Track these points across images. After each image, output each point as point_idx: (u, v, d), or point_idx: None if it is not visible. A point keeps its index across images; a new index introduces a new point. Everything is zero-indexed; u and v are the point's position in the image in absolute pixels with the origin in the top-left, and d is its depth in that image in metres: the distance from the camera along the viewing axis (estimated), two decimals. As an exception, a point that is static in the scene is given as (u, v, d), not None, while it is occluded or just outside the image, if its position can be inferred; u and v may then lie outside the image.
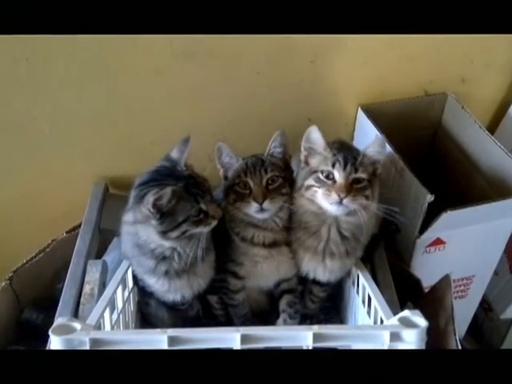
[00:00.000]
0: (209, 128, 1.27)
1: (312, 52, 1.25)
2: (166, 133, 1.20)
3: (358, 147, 1.01)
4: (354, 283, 1.05)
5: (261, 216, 0.97)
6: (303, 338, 0.73)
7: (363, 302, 0.99)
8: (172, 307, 1.02)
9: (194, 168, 0.93)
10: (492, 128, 1.45)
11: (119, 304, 0.96)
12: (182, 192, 0.86)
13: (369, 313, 0.95)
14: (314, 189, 0.93)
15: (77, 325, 0.73)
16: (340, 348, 0.77)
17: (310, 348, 0.73)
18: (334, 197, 0.90)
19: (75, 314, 0.96)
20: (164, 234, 0.87)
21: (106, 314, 0.87)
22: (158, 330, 0.73)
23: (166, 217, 0.85)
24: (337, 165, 0.91)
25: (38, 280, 1.18)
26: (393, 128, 1.21)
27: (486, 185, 1.24)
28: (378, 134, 1.19)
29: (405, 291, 1.05)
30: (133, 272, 1.01)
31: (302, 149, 0.97)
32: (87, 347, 0.71)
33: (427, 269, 1.17)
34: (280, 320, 1.07)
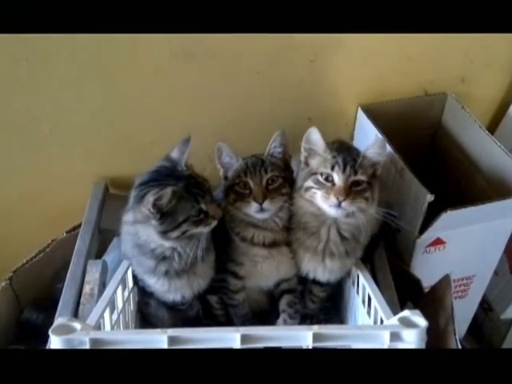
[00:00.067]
0: (209, 128, 1.27)
1: (312, 52, 1.25)
2: (166, 133, 1.20)
3: (358, 147, 1.01)
4: (354, 283, 1.05)
5: (261, 216, 0.97)
6: (303, 337, 0.73)
7: (363, 302, 0.99)
8: (172, 307, 1.02)
9: (194, 168, 0.93)
10: (492, 128, 1.45)
11: (119, 304, 0.96)
12: (182, 192, 0.86)
13: (369, 313, 0.95)
14: (313, 190, 0.93)
15: (77, 325, 0.73)
16: (340, 348, 0.77)
17: (310, 348, 0.73)
18: (333, 200, 0.90)
19: (75, 314, 0.96)
20: (164, 234, 0.87)
21: (106, 314, 0.87)
22: (158, 330, 0.73)
23: (166, 217, 0.85)
24: (336, 167, 0.91)
25: (38, 280, 1.18)
26: (393, 128, 1.21)
27: (486, 185, 1.24)
28: (378, 134, 1.19)
29: (405, 291, 1.05)
30: (133, 272, 1.01)
31: (302, 149, 0.97)
32: (87, 347, 0.71)
33: (427, 269, 1.17)
34: (280, 320, 1.07)
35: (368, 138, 1.24)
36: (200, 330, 0.75)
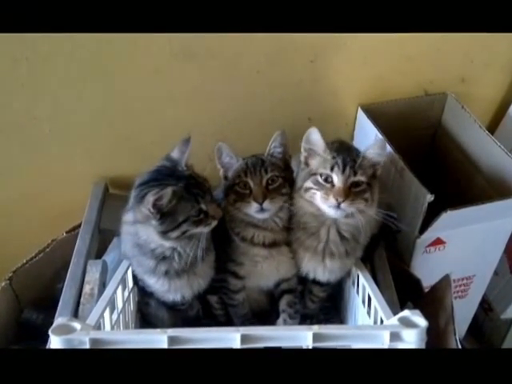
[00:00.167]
0: (209, 128, 1.27)
1: (312, 52, 1.25)
2: (166, 133, 1.20)
3: (358, 147, 1.01)
4: (354, 283, 1.05)
5: (261, 216, 0.97)
6: (303, 337, 0.73)
7: (363, 301, 0.99)
8: (172, 307, 1.02)
9: (195, 168, 0.93)
10: (492, 128, 1.45)
11: (119, 304, 0.96)
12: (182, 192, 0.86)
13: (369, 313, 0.95)
14: (313, 191, 0.93)
15: (77, 325, 0.73)
16: (340, 348, 0.77)
17: (310, 348, 0.73)
18: (332, 201, 0.90)
19: (75, 314, 0.96)
20: (164, 234, 0.87)
21: (106, 314, 0.87)
22: (158, 330, 0.73)
23: (166, 217, 0.85)
24: (335, 168, 0.91)
25: (38, 280, 1.18)
26: (393, 128, 1.21)
27: (486, 185, 1.24)
28: (379, 135, 1.19)
29: (405, 291, 1.05)
30: (133, 272, 1.01)
31: (302, 150, 0.97)
32: (87, 347, 0.71)
33: (427, 269, 1.17)
34: (280, 320, 1.07)
35: (368, 138, 1.24)
36: (200, 329, 0.75)
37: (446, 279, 1.04)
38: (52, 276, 1.18)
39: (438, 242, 1.17)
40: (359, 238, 0.99)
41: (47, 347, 0.81)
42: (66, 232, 1.19)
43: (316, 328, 0.73)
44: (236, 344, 0.72)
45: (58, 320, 0.75)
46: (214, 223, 0.91)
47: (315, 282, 1.06)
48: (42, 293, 1.18)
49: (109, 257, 1.13)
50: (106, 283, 1.02)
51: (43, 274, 1.18)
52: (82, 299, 0.99)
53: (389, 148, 1.13)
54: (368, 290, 0.95)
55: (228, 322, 1.12)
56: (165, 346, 0.71)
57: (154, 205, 0.83)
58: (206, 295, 1.08)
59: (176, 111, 1.25)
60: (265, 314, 1.14)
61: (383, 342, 0.73)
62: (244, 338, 0.72)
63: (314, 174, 0.94)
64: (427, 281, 1.13)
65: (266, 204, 0.94)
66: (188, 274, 0.95)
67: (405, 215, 1.13)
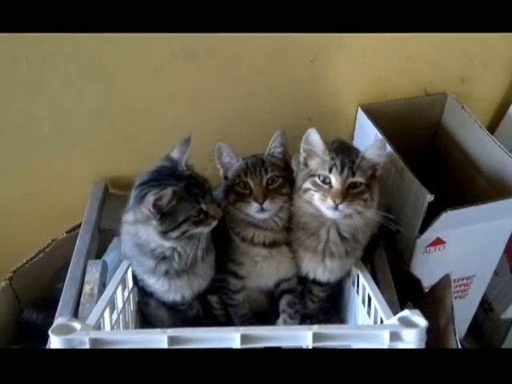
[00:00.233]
0: (209, 128, 1.27)
1: (312, 52, 1.25)
2: (166, 133, 1.20)
3: (358, 147, 1.01)
4: (354, 283, 1.05)
5: (261, 216, 0.97)
6: (303, 337, 0.73)
7: (363, 301, 0.99)
8: (172, 307, 1.02)
9: (195, 168, 0.93)
10: (492, 128, 1.45)
11: (119, 304, 0.96)
12: (182, 192, 0.86)
13: (369, 313, 0.95)
14: (311, 192, 0.93)
15: (77, 325, 0.73)
16: (340, 348, 0.77)
17: (310, 348, 0.73)
18: (330, 202, 0.90)
19: (75, 314, 0.96)
20: (164, 234, 0.87)
21: (106, 314, 0.87)
22: (158, 330, 0.73)
23: (166, 217, 0.85)
24: (334, 169, 0.91)
25: (38, 280, 1.18)
26: (393, 128, 1.21)
27: (486, 185, 1.24)
28: (378, 135, 1.19)
29: (405, 291, 1.04)
30: (133, 272, 1.01)
31: (302, 150, 0.97)
32: (87, 347, 0.71)
33: (427, 269, 1.17)
34: (280, 320, 1.07)
35: (368, 138, 1.24)
36: (200, 329, 0.75)
37: (445, 279, 1.04)
38: (52, 276, 1.18)
39: (438, 242, 1.17)
40: (359, 238, 0.99)
41: (47, 347, 0.81)
42: (66, 232, 1.19)
43: (316, 328, 0.73)
44: (236, 344, 0.72)
45: (58, 320, 0.75)
46: (214, 223, 0.91)
47: (315, 281, 1.06)
48: (41, 293, 1.18)
49: (109, 257, 1.13)
50: (106, 283, 1.02)
51: (43, 274, 1.18)
52: (81, 299, 0.99)
53: (389, 148, 1.13)
54: (368, 290, 0.95)
55: (228, 321, 1.12)
56: (165, 345, 0.71)
57: (154, 205, 0.83)
58: (206, 295, 1.08)
59: (176, 111, 1.25)
60: (265, 314, 1.14)
61: (383, 341, 0.73)
62: (244, 338, 0.72)
63: (313, 175, 0.94)
64: (427, 281, 1.13)
65: (267, 204, 0.94)
66: (188, 274, 0.95)
67: (405, 215, 1.13)
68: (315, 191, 0.93)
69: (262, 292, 1.12)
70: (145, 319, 1.09)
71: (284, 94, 1.29)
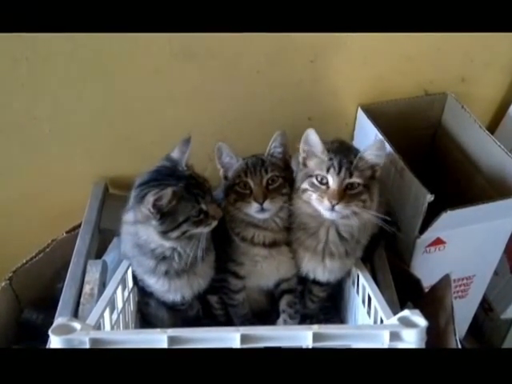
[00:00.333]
0: (209, 128, 1.27)
1: (312, 51, 1.25)
2: (166, 133, 1.20)
3: (358, 147, 1.00)
4: (354, 283, 1.05)
5: (261, 216, 0.97)
6: (303, 337, 0.73)
7: (363, 301, 0.99)
8: (172, 307, 1.02)
9: (195, 168, 0.93)
10: (492, 128, 1.45)
11: (119, 304, 0.96)
12: (182, 192, 0.86)
13: (369, 313, 0.95)
14: (309, 193, 0.93)
15: (77, 325, 0.73)
16: (340, 348, 0.77)
17: (310, 348, 0.73)
18: (326, 203, 0.90)
19: (75, 314, 0.96)
20: (164, 234, 0.87)
21: (106, 314, 0.87)
22: (158, 330, 0.73)
23: (166, 217, 0.85)
24: (331, 170, 0.91)
25: (38, 280, 1.18)
26: (393, 128, 1.21)
27: (486, 185, 1.24)
28: (378, 135, 1.19)
29: (405, 291, 1.04)
30: (133, 272, 1.01)
31: (301, 151, 0.97)
32: (87, 347, 0.71)
33: (427, 269, 1.17)
34: (280, 320, 1.07)
35: (368, 138, 1.24)
36: (200, 329, 0.75)
37: (445, 279, 1.04)
38: (52, 276, 1.18)
39: (438, 242, 1.17)
40: (359, 239, 0.99)
41: (47, 347, 0.81)
42: (66, 232, 1.19)
43: (316, 328, 0.73)
44: (236, 344, 0.72)
45: (58, 320, 0.75)
46: (214, 223, 0.91)
47: (315, 281, 1.06)
48: (41, 293, 1.18)
49: (109, 257, 1.13)
50: (106, 283, 1.02)
51: (43, 274, 1.18)
52: (81, 299, 0.99)
53: (389, 148, 1.13)
54: (368, 290, 0.95)
55: (228, 321, 1.12)
56: (165, 345, 0.71)
57: (154, 205, 0.83)
58: (206, 295, 1.08)
59: (176, 111, 1.25)
60: (265, 314, 1.14)
61: (383, 341, 0.73)
62: (244, 338, 0.72)
63: (311, 176, 0.94)
64: (427, 281, 1.13)
65: (267, 204, 0.94)
66: (188, 274, 0.95)
67: (405, 215, 1.13)
68: (313, 192, 0.93)
69: (262, 292, 1.12)
70: (145, 319, 1.09)
71: (284, 94, 1.29)
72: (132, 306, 1.04)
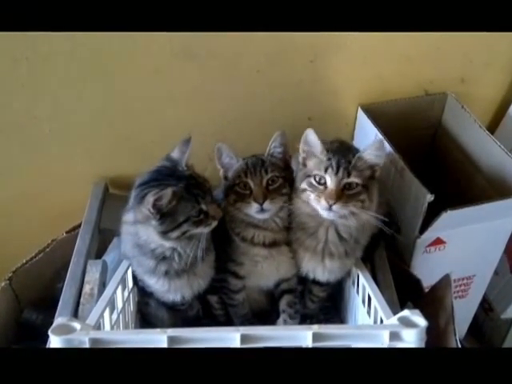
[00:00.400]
0: (209, 128, 1.27)
1: (312, 51, 1.25)
2: (166, 133, 1.20)
3: (359, 147, 1.00)
4: (354, 283, 1.05)
5: (261, 216, 0.97)
6: (303, 337, 0.73)
7: (363, 301, 0.99)
8: (172, 307, 1.02)
9: (195, 168, 0.93)
10: (492, 128, 1.45)
11: (119, 304, 0.96)
12: (182, 192, 0.86)
13: (369, 312, 0.95)
14: (308, 192, 0.93)
15: (76, 325, 0.73)
16: (340, 347, 0.77)
17: (310, 347, 0.73)
18: (324, 203, 0.90)
19: (75, 314, 0.96)
20: (164, 234, 0.87)
21: (106, 314, 0.87)
22: (158, 330, 0.73)
23: (166, 217, 0.85)
24: (329, 170, 0.91)
25: (38, 280, 1.18)
26: (393, 128, 1.21)
27: (486, 185, 1.24)
28: (378, 135, 1.19)
29: (405, 291, 1.04)
30: (133, 272, 1.01)
31: (300, 151, 0.97)
32: (87, 347, 0.71)
33: (427, 269, 1.17)
34: (280, 320, 1.07)
35: (368, 138, 1.24)
36: (200, 329, 0.75)
37: (445, 279, 1.04)
38: (52, 276, 1.18)
39: (438, 241, 1.17)
40: (358, 239, 0.99)
41: (47, 347, 0.81)
42: (66, 232, 1.19)
43: (316, 328, 0.73)
44: (236, 344, 0.72)
45: (58, 320, 0.75)
46: (215, 223, 0.91)
47: (315, 281, 1.06)
48: (41, 293, 1.18)
49: (109, 257, 1.13)
50: (106, 283, 1.02)
51: (43, 274, 1.18)
52: (81, 299, 0.99)
53: (389, 148, 1.13)
54: (368, 290, 0.95)
55: (228, 321, 1.12)
56: (165, 345, 0.71)
57: (154, 205, 0.83)
58: (206, 295, 1.08)
59: (176, 111, 1.25)
60: (265, 314, 1.14)
61: (383, 341, 0.73)
62: (244, 338, 0.72)
63: (309, 176, 0.94)
64: (427, 281, 1.13)
65: (267, 204, 0.94)
66: (188, 274, 0.95)
67: (405, 215, 1.13)
68: (311, 192, 0.93)
69: (261, 292, 1.12)
70: (145, 319, 1.09)
71: (284, 93, 1.29)
72: (132, 306, 1.04)
